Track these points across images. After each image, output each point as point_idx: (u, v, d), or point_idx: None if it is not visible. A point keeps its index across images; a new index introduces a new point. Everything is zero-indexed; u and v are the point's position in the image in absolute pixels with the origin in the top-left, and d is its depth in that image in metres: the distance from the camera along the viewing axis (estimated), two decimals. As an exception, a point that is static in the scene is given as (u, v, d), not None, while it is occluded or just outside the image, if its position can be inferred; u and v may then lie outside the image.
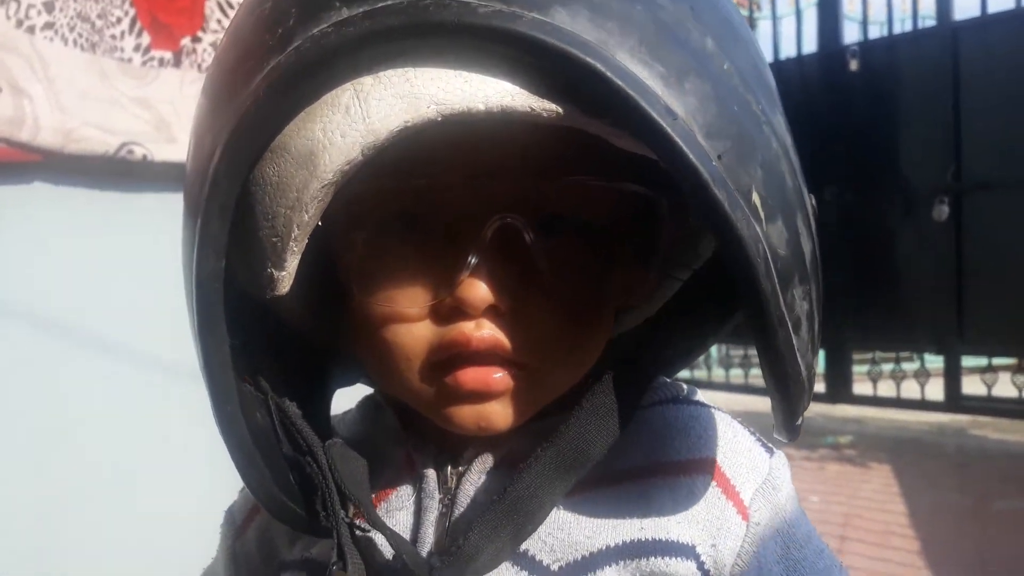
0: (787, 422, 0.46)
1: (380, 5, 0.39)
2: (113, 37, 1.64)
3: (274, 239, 0.42)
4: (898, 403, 4.73)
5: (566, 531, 0.49)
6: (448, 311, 0.46)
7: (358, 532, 0.48)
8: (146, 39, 1.71)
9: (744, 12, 5.52)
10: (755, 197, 0.41)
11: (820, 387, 5.02)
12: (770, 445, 0.54)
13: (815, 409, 5.08)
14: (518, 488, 0.47)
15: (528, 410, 0.49)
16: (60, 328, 1.59)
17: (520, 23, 0.38)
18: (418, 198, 0.46)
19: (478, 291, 0.45)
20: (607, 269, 0.49)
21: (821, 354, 5.04)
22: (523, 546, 0.49)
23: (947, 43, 4.26)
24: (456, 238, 0.46)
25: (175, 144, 1.72)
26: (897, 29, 4.68)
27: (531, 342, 0.47)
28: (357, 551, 0.47)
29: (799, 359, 0.43)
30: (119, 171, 1.63)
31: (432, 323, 0.47)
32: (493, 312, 0.46)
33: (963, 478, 3.72)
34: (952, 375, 4.44)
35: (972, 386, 4.43)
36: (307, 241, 0.43)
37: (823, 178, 4.64)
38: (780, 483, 0.53)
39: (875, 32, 4.73)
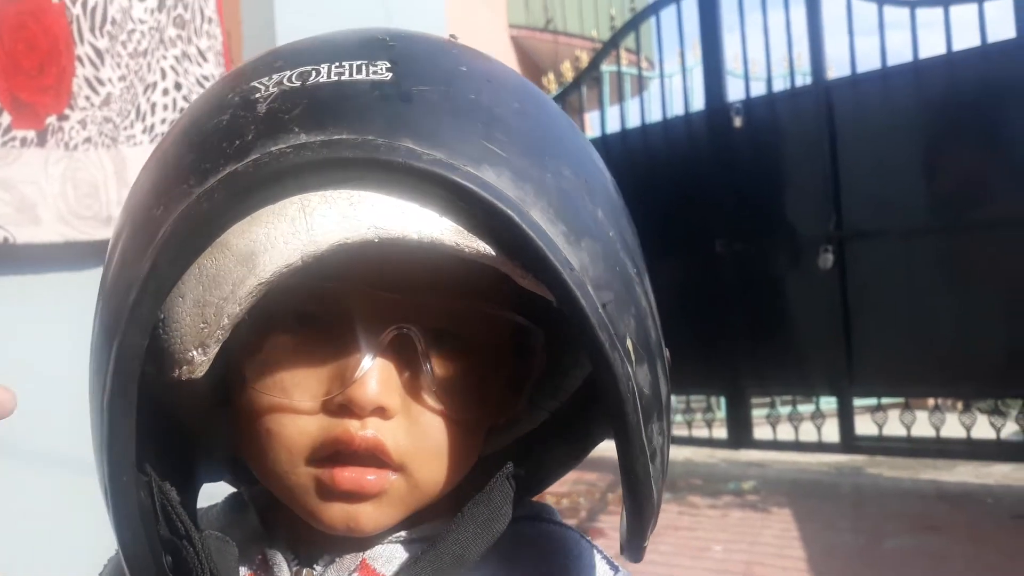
0: (634, 542, 0.50)
1: (336, 138, 0.44)
2: (-30, 118, 1.60)
3: (202, 325, 0.46)
4: (797, 446, 4.86)
5: None
6: (336, 408, 0.48)
7: None
8: (6, 119, 1.66)
9: (634, 71, 5.72)
10: (628, 343, 0.47)
11: (722, 433, 5.12)
12: (616, 564, 0.57)
13: (719, 455, 5.18)
14: None
15: (397, 515, 0.51)
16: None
17: (456, 173, 0.44)
18: (322, 299, 0.49)
19: (368, 391, 0.48)
20: (486, 388, 0.53)
21: (722, 400, 5.17)
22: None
23: (822, 100, 4.50)
24: (353, 340, 0.48)
25: (39, 226, 1.67)
26: (778, 86, 4.91)
27: (412, 448, 0.50)
28: None
29: (652, 484, 0.49)
30: (-22, 256, 1.58)
31: (319, 418, 0.49)
32: (379, 414, 0.48)
33: (857, 518, 3.84)
34: (845, 417, 4.59)
35: (865, 426, 4.60)
36: (231, 331, 0.46)
37: (713, 230, 4.80)
38: None
39: (757, 89, 4.95)
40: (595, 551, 0.57)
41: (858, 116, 4.37)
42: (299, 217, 0.44)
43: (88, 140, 1.80)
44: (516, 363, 0.55)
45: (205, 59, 2.04)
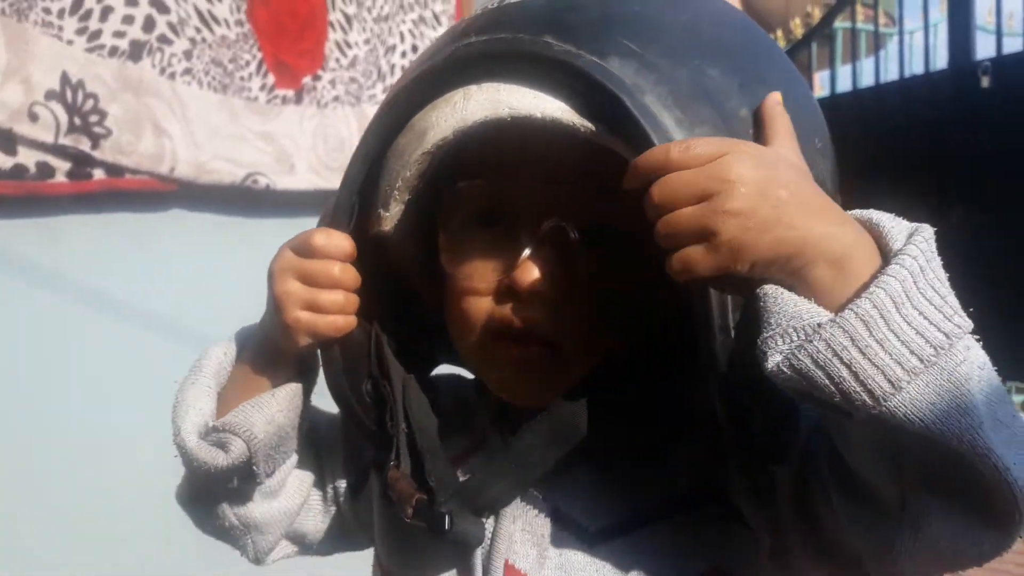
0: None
1: (496, 37, 0.55)
2: (242, 79, 1.83)
3: (387, 187, 0.59)
4: None
5: (605, 498, 0.58)
6: (505, 291, 0.57)
7: (416, 445, 0.60)
8: (271, 79, 1.89)
9: (870, 27, 5.37)
10: None
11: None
12: None
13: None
14: (517, 448, 0.57)
15: (553, 389, 0.58)
16: (189, 337, 1.78)
17: (580, 60, 0.52)
18: (498, 199, 0.58)
19: (527, 277, 0.56)
20: (642, 280, 0.55)
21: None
22: (566, 510, 0.58)
23: (1089, 58, 4.04)
24: (520, 233, 0.57)
25: (294, 175, 1.90)
26: (1035, 43, 4.46)
27: (566, 328, 0.57)
28: (409, 457, 0.59)
29: (719, 353, 0.49)
30: (244, 199, 1.82)
31: (492, 300, 0.58)
32: (537, 298, 0.56)
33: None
34: (1089, 409, 4.17)
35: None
36: (408, 196, 0.58)
37: (951, 199, 4.46)
38: None
39: (1011, 46, 4.51)
40: None
41: None
42: (460, 102, 0.55)
43: (336, 99, 2.01)
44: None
45: (439, 23, 2.19)
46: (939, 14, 4.91)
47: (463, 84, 0.55)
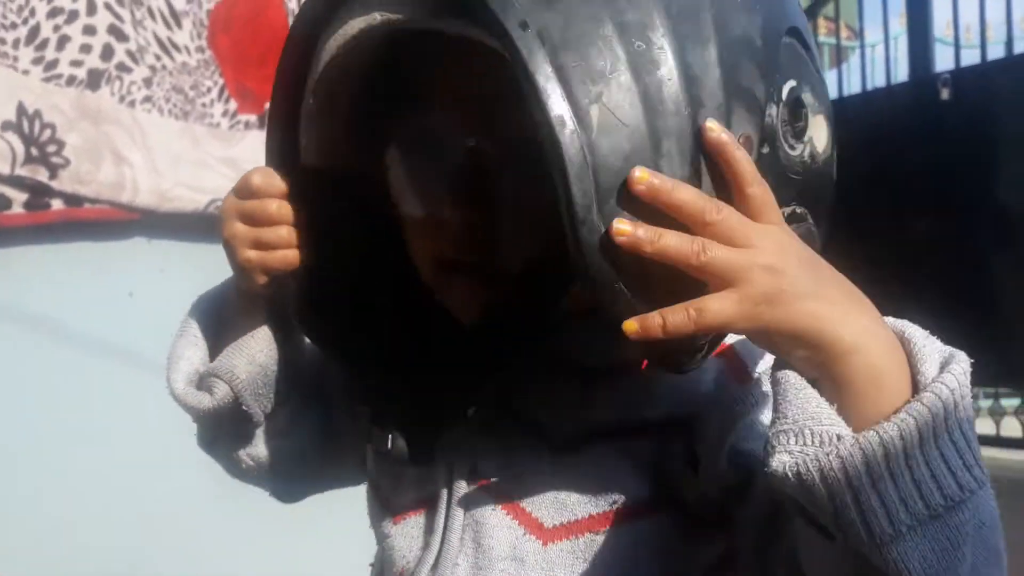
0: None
1: None
2: (204, 105, 1.82)
3: (303, 119, 0.59)
4: (997, 441, 4.54)
5: (577, 412, 0.58)
6: (442, 221, 0.57)
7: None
8: (233, 105, 1.88)
9: (832, 41, 5.45)
10: (595, 108, 0.45)
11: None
12: None
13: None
14: (447, 361, 0.58)
15: (492, 312, 0.58)
16: (153, 367, 1.75)
17: None
18: (419, 128, 0.58)
19: (457, 207, 0.55)
20: None
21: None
22: (533, 420, 0.58)
23: (1044, 70, 4.12)
24: (443, 161, 0.56)
25: (258, 200, 1.89)
26: (993, 54, 4.55)
27: (500, 253, 0.56)
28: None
29: (604, 262, 0.45)
30: (207, 226, 1.80)
31: (433, 228, 0.58)
32: (472, 225, 0.55)
33: (1062, 523, 3.55)
34: (1055, 413, 4.24)
35: (1077, 425, 4.23)
36: (314, 125, 0.58)
37: (915, 210, 4.52)
38: None
39: (969, 58, 4.60)
40: None
41: (1086, 87, 3.97)
42: (348, 24, 0.54)
43: (300, 123, 2.00)
44: None
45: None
46: (899, 27, 4.99)
47: (356, 15, 0.54)
